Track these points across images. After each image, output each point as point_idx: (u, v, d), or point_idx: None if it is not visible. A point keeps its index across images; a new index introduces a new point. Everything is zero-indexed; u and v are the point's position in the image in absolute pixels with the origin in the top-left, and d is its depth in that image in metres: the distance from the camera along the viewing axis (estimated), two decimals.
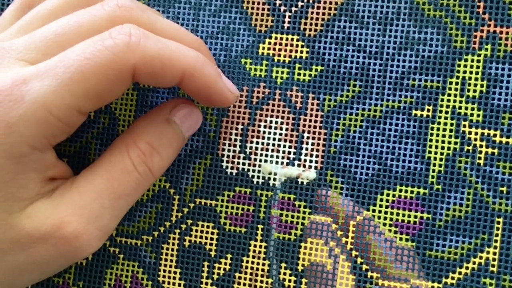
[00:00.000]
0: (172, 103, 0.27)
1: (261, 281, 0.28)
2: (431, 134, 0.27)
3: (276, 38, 0.29)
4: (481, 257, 0.26)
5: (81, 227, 0.24)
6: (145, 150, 0.25)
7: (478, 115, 0.26)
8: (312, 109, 0.28)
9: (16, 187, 0.23)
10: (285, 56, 0.28)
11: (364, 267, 0.27)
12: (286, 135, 0.28)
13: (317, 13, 0.28)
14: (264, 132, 0.28)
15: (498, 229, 0.26)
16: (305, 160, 0.28)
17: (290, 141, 0.28)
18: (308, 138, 0.28)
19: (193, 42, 0.26)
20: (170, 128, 0.26)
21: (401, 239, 0.27)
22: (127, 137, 0.26)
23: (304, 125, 0.28)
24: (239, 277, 0.28)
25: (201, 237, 0.29)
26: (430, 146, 0.27)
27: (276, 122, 0.28)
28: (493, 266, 0.26)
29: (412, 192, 0.27)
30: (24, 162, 0.23)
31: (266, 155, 0.28)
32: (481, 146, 0.26)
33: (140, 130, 0.26)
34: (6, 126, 0.22)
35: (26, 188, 0.23)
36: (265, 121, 0.28)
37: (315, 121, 0.28)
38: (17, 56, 0.24)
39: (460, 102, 0.27)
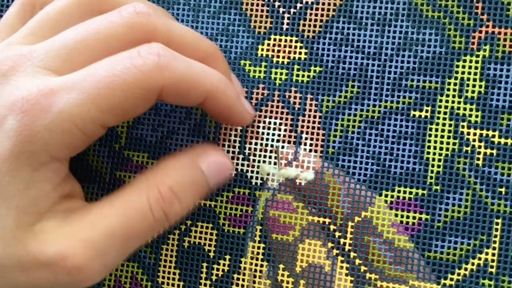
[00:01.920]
0: (203, 148, 0.27)
1: (259, 282, 0.28)
2: (430, 135, 0.27)
3: (275, 39, 0.29)
4: (480, 258, 0.26)
5: (86, 261, 0.23)
6: (165, 195, 0.25)
7: (477, 116, 0.26)
8: (310, 110, 0.28)
9: (30, 198, 0.23)
10: (284, 57, 0.29)
11: (363, 268, 0.27)
12: (284, 136, 0.28)
13: (316, 15, 0.28)
14: (263, 133, 0.28)
15: (497, 230, 0.26)
16: (303, 161, 0.28)
17: (289, 142, 0.28)
18: (306, 139, 0.28)
19: (209, 47, 0.26)
20: (196, 176, 0.26)
21: (399, 240, 0.26)
22: (150, 177, 0.25)
23: (302, 126, 0.28)
24: (237, 278, 0.28)
25: (200, 238, 0.29)
26: (429, 147, 0.27)
27: (275, 123, 0.28)
28: (492, 267, 0.26)
29: (410, 193, 0.27)
30: (42, 171, 0.23)
31: (265, 156, 0.28)
32: (479, 146, 0.26)
33: (164, 172, 0.25)
34: (31, 135, 0.22)
35: (39, 201, 0.23)
36: (264, 122, 0.28)
37: (314, 122, 0.28)
38: (39, 64, 0.24)
39: (459, 102, 0.26)
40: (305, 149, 0.28)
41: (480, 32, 0.26)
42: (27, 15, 0.27)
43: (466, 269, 0.26)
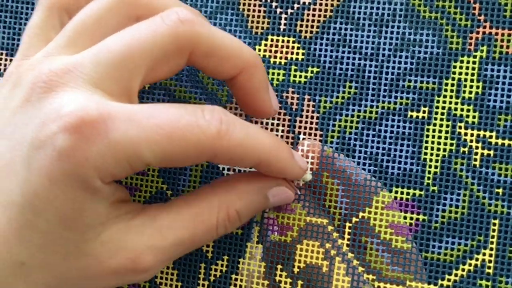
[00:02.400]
0: (274, 179, 0.27)
1: (257, 283, 0.28)
2: (427, 136, 0.27)
3: (272, 40, 0.29)
4: (477, 259, 0.26)
5: (154, 265, 0.24)
6: (232, 217, 0.25)
7: (474, 117, 0.26)
8: (308, 111, 0.28)
9: (86, 215, 0.23)
10: (281, 58, 0.29)
11: (360, 269, 0.27)
12: (282, 136, 0.28)
13: (313, 15, 0.28)
14: None
15: (494, 230, 0.26)
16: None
17: (286, 143, 0.28)
18: (304, 139, 0.28)
19: (250, 57, 0.26)
20: (262, 203, 0.26)
21: (397, 240, 0.27)
22: (222, 197, 0.25)
23: (300, 127, 0.28)
24: (235, 279, 0.28)
25: None
26: (426, 148, 0.27)
27: (272, 124, 0.28)
28: (489, 268, 0.26)
29: (408, 193, 0.27)
30: (93, 193, 0.22)
31: None
32: (477, 147, 0.26)
33: (235, 194, 0.26)
34: (84, 157, 0.21)
35: (96, 214, 0.23)
36: (261, 122, 0.28)
37: (311, 123, 0.28)
38: (88, 80, 0.23)
39: (456, 103, 0.27)
40: (302, 150, 0.28)
41: (478, 33, 0.26)
42: (57, 22, 0.26)
43: (463, 269, 0.26)
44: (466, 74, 0.26)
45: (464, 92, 0.26)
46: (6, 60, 0.32)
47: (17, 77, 0.25)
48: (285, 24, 0.29)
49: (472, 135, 0.26)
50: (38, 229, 0.22)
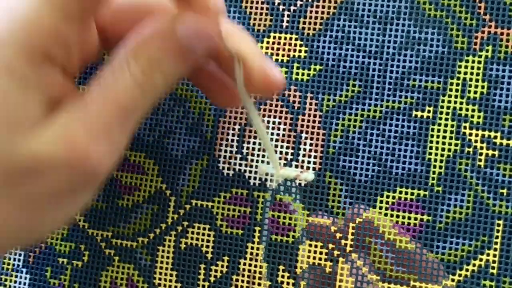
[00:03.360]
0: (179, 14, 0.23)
1: (259, 284, 0.27)
2: (432, 136, 0.27)
3: (274, 37, 0.28)
4: (481, 259, 0.26)
5: (92, 143, 0.21)
6: (145, 68, 0.22)
7: (479, 117, 0.26)
8: (310, 109, 0.28)
9: (19, 107, 0.20)
10: (283, 55, 0.28)
11: (364, 269, 0.26)
12: (284, 135, 0.28)
13: (316, 12, 0.28)
14: None
15: (498, 231, 0.26)
16: (303, 161, 0.28)
17: (288, 142, 0.28)
18: (306, 138, 0.28)
19: None
20: (175, 42, 0.23)
21: (401, 241, 0.26)
22: (128, 50, 0.22)
23: (302, 126, 0.28)
24: (236, 280, 0.28)
25: (197, 239, 0.28)
26: (431, 148, 0.26)
27: (274, 122, 0.28)
28: (493, 268, 0.26)
29: (412, 194, 0.26)
30: (23, 79, 0.20)
31: (263, 156, 0.28)
32: (481, 148, 0.26)
33: (140, 42, 0.22)
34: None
35: (30, 108, 0.20)
36: (263, 121, 0.28)
37: (314, 121, 0.28)
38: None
39: (461, 103, 0.26)
40: (305, 149, 0.28)
41: (483, 32, 0.26)
42: None
43: (467, 270, 0.26)
44: (471, 73, 0.26)
45: (469, 92, 0.26)
46: None
47: None
48: (287, 21, 0.28)
49: (476, 135, 0.26)
50: None
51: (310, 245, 0.27)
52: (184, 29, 0.22)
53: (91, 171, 0.21)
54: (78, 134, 0.21)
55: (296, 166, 0.28)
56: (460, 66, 0.26)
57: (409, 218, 0.26)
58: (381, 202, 0.27)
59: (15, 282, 0.30)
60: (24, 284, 0.30)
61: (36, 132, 0.20)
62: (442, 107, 0.26)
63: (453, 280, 0.26)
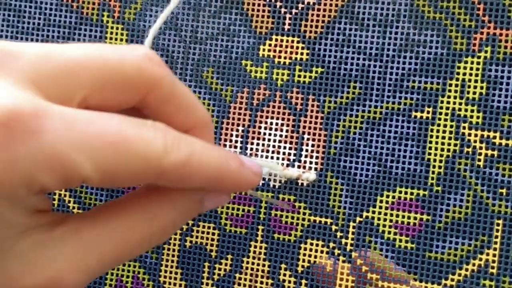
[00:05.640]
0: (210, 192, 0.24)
1: (261, 282, 0.28)
2: (431, 136, 0.27)
3: (276, 40, 0.29)
4: (480, 259, 0.26)
5: (79, 285, 0.21)
6: (166, 228, 0.23)
7: (478, 117, 0.26)
8: (312, 111, 0.28)
9: (0, 226, 0.19)
10: (285, 58, 0.29)
11: (364, 268, 0.27)
12: (286, 136, 0.28)
13: (318, 15, 0.28)
14: (264, 134, 0.29)
15: (497, 231, 0.26)
16: (305, 162, 0.28)
17: (290, 143, 0.28)
18: (308, 139, 0.28)
19: (205, 115, 0.24)
20: (197, 210, 0.24)
21: (400, 240, 0.27)
22: (155, 207, 0.22)
23: (304, 127, 0.28)
24: (239, 278, 0.28)
25: (202, 237, 0.29)
26: (430, 148, 0.27)
27: (277, 124, 0.28)
28: (492, 268, 0.26)
29: (412, 193, 0.27)
30: (14, 203, 0.19)
31: (267, 157, 0.28)
32: (480, 148, 0.26)
33: (171, 203, 0.23)
34: (9, 160, 0.18)
35: (12, 225, 0.20)
36: (266, 122, 0.29)
37: (315, 123, 0.28)
38: (29, 75, 0.20)
39: (460, 104, 0.27)
40: (307, 150, 0.28)
41: (482, 33, 0.27)
42: None
43: (467, 269, 0.26)
44: (470, 74, 0.27)
45: (468, 92, 0.27)
46: None
47: None
48: (289, 24, 0.29)
49: (476, 135, 0.26)
50: None
51: (312, 244, 0.27)
52: (209, 201, 0.24)
53: None
54: (71, 277, 0.20)
55: (299, 167, 0.28)
56: (459, 67, 0.27)
57: (409, 217, 0.27)
58: (381, 201, 0.27)
59: None
60: None
61: (23, 250, 0.20)
62: (441, 107, 0.27)
63: (452, 279, 0.26)
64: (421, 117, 0.27)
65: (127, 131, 0.20)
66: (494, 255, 0.26)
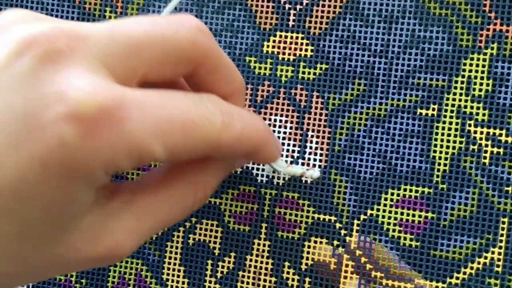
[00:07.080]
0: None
1: (265, 280, 0.28)
2: (436, 133, 0.27)
3: (280, 36, 0.29)
4: (486, 257, 0.26)
5: (132, 250, 0.23)
6: (208, 195, 0.25)
7: (484, 114, 0.26)
8: (316, 108, 0.28)
9: (74, 203, 0.20)
10: (289, 54, 0.28)
11: (368, 266, 0.27)
12: (290, 133, 0.28)
13: (322, 11, 0.28)
14: None
15: (503, 229, 0.26)
16: (309, 159, 0.28)
17: (295, 140, 0.28)
18: (312, 136, 0.28)
19: (242, 83, 0.26)
20: (229, 172, 0.26)
21: (405, 238, 0.26)
22: (199, 176, 0.24)
23: (308, 124, 0.28)
24: (243, 276, 0.28)
25: (205, 235, 0.29)
26: (435, 145, 0.27)
27: (281, 121, 0.28)
28: (498, 266, 0.26)
29: (416, 191, 0.27)
30: (90, 183, 0.20)
31: None
32: (486, 145, 0.26)
33: (212, 171, 0.25)
34: (92, 150, 0.19)
35: (83, 203, 0.21)
36: (270, 119, 0.28)
37: (320, 120, 0.28)
38: (100, 57, 0.20)
39: (466, 101, 0.26)
40: (311, 147, 0.28)
41: (488, 30, 0.26)
42: None
43: (472, 268, 0.26)
44: (476, 71, 0.26)
45: (474, 89, 0.26)
46: None
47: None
48: (293, 20, 0.28)
49: (482, 133, 0.26)
50: (15, 216, 0.19)
51: (315, 242, 0.27)
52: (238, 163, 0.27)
53: (117, 259, 0.23)
54: (126, 244, 0.22)
55: (303, 164, 0.28)
56: (465, 64, 0.26)
57: (414, 215, 0.27)
58: (385, 199, 0.27)
59: None
60: None
61: (84, 226, 0.21)
62: (447, 105, 0.27)
63: (457, 278, 0.26)
64: (426, 114, 0.27)
65: (191, 112, 0.21)
66: (499, 254, 0.26)
